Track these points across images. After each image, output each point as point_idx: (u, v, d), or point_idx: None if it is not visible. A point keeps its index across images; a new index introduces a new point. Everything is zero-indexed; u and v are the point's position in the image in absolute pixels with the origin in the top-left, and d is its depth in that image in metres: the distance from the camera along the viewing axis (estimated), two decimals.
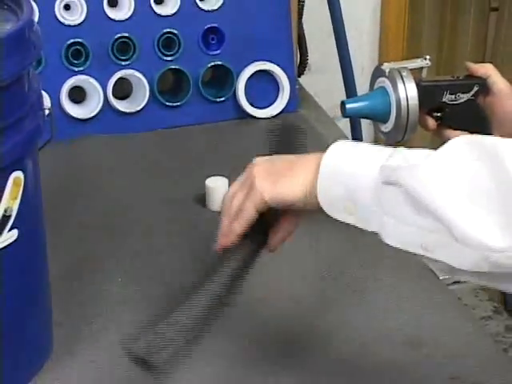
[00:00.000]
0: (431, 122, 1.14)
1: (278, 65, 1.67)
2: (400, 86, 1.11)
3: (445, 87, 1.13)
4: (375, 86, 1.17)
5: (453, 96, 1.13)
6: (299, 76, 1.82)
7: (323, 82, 2.03)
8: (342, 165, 0.81)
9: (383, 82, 1.14)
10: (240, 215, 0.88)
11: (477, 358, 0.98)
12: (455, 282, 1.13)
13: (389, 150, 0.80)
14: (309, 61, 1.85)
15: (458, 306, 1.08)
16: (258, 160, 0.91)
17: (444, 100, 1.13)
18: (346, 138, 1.65)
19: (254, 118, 1.67)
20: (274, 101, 1.68)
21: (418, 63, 1.17)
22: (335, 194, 0.81)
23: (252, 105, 1.67)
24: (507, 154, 0.72)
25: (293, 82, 1.69)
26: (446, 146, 0.76)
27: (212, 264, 0.95)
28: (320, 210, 0.83)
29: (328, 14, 1.78)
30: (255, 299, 1.08)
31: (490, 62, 1.18)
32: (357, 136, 1.81)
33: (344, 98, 1.86)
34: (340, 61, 1.81)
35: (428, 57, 1.17)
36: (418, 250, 0.76)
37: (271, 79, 1.68)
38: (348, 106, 1.15)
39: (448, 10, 2.41)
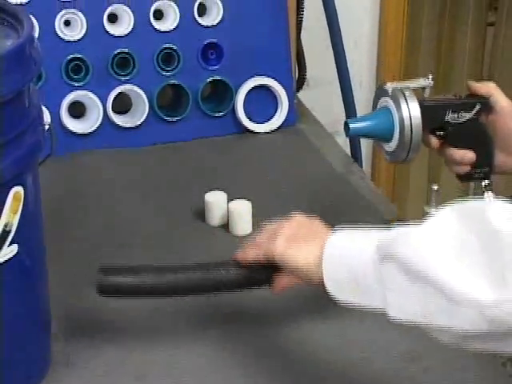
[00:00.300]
0: (434, 141, 1.15)
1: (276, 80, 1.67)
2: (403, 105, 1.11)
3: (447, 106, 1.13)
4: (378, 106, 1.17)
5: (455, 115, 1.13)
6: (298, 91, 1.83)
7: (322, 97, 2.04)
8: (343, 249, 0.88)
9: (386, 101, 1.15)
10: (255, 250, 0.99)
11: (476, 372, 0.98)
12: None
13: (384, 230, 0.85)
14: (307, 75, 1.86)
15: None
16: (296, 217, 0.99)
17: (447, 119, 1.13)
18: (345, 152, 1.66)
19: (253, 132, 1.68)
20: (273, 115, 1.69)
21: (420, 82, 1.17)
22: (340, 277, 0.87)
23: (251, 119, 1.68)
24: (493, 215, 0.76)
25: (291, 97, 1.70)
26: (435, 215, 0.81)
27: (215, 263, 1.02)
28: (318, 285, 0.89)
29: (326, 28, 1.78)
30: (253, 315, 1.09)
31: (489, 79, 1.19)
32: (355, 150, 1.81)
33: (342, 112, 1.87)
34: (338, 75, 1.81)
35: (431, 76, 1.17)
36: (420, 320, 0.79)
37: (270, 94, 1.69)
38: (351, 125, 1.15)
39: (445, 24, 2.43)
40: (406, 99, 1.12)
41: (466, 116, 1.13)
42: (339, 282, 0.87)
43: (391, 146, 1.15)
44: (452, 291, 0.75)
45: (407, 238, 0.80)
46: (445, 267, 0.76)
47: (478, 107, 1.13)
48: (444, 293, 0.76)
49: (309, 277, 0.91)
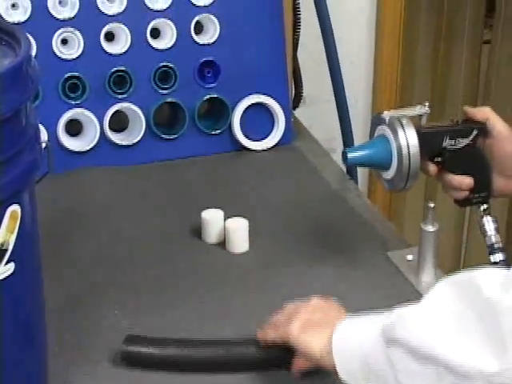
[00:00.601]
0: (432, 168, 1.15)
1: (273, 97, 1.68)
2: (400, 133, 1.12)
3: (444, 133, 1.13)
4: (376, 134, 1.18)
5: (452, 141, 1.13)
6: (294, 108, 1.84)
7: (318, 114, 2.04)
8: (350, 338, 0.91)
9: (383, 130, 1.15)
10: (273, 331, 1.02)
11: None
12: None
13: (386, 313, 0.88)
14: (304, 93, 1.86)
15: None
16: (313, 301, 1.03)
17: (444, 145, 1.13)
18: (341, 170, 1.66)
19: (250, 150, 1.68)
20: (270, 133, 1.70)
21: (417, 110, 1.17)
22: (352, 366, 0.89)
23: (247, 137, 1.68)
24: (483, 283, 0.79)
25: (288, 115, 1.70)
26: (430, 292, 0.84)
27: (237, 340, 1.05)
28: (332, 370, 0.92)
29: (323, 46, 1.79)
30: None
31: (485, 97, 1.19)
32: (351, 169, 1.81)
33: (339, 130, 1.87)
34: (334, 93, 1.82)
35: (427, 104, 1.17)
36: None
37: (266, 112, 1.69)
38: (349, 155, 1.16)
39: (441, 43, 2.44)
40: (403, 127, 1.12)
41: (464, 142, 1.14)
42: (352, 371, 0.90)
43: (389, 174, 1.15)
44: (458, 366, 0.78)
45: (405, 321, 0.84)
46: (447, 344, 0.79)
47: (475, 133, 1.14)
48: (451, 370, 0.78)
49: (322, 362, 0.94)
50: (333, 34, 1.76)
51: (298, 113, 1.85)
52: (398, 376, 0.83)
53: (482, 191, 1.16)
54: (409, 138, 1.11)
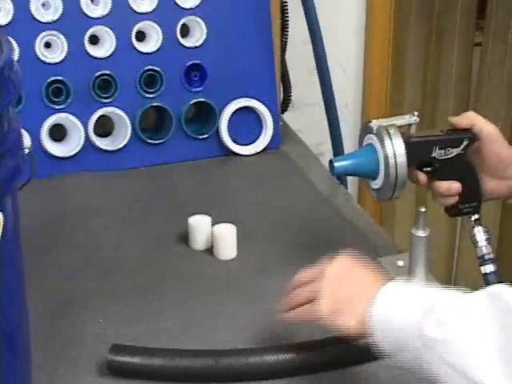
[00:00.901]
0: (422, 177, 1.15)
1: (261, 101, 1.68)
2: (387, 143, 1.12)
3: (434, 143, 1.13)
4: (364, 143, 1.18)
5: (442, 151, 1.13)
6: (282, 112, 1.84)
7: (307, 118, 2.05)
8: (386, 327, 0.89)
9: (371, 139, 1.15)
10: (297, 310, 1.00)
11: None
12: None
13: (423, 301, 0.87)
14: (292, 97, 1.86)
15: None
16: (337, 266, 1.00)
17: (434, 155, 1.13)
18: (329, 174, 1.66)
19: (238, 155, 1.68)
20: (257, 138, 1.69)
21: (406, 119, 1.17)
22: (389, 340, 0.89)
23: (235, 142, 1.68)
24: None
25: (276, 119, 1.70)
26: (474, 302, 0.84)
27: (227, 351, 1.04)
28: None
29: (311, 49, 1.79)
30: None
31: (478, 107, 1.19)
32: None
33: (328, 134, 1.88)
34: (323, 97, 1.82)
35: (416, 113, 1.17)
36: None
37: (254, 116, 1.69)
38: (336, 164, 1.16)
39: (432, 45, 2.44)
40: (390, 137, 1.12)
41: (454, 152, 1.14)
42: (389, 343, 0.89)
43: (377, 183, 1.15)
44: None
45: (446, 335, 0.82)
46: (488, 369, 0.79)
47: (465, 143, 1.14)
48: None
49: (355, 335, 0.94)
50: (322, 37, 1.76)
51: (286, 117, 1.85)
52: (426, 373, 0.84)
53: (472, 201, 1.17)
54: (396, 148, 1.11)
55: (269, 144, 1.69)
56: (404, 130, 1.16)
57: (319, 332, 1.08)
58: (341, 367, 1.03)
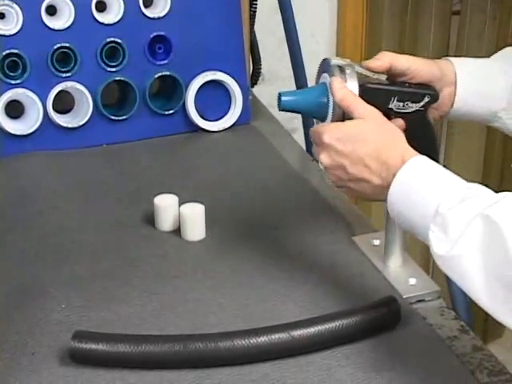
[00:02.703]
0: None
1: (229, 74, 1.67)
2: None
3: (392, 93, 1.11)
4: (319, 82, 1.15)
5: (401, 104, 1.11)
6: (252, 86, 1.83)
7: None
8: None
9: (325, 77, 1.12)
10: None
11: (444, 381, 0.99)
12: (419, 301, 1.14)
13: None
14: (263, 69, 1.86)
15: (422, 326, 1.09)
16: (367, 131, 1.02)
17: (391, 106, 1.11)
18: (303, 150, 1.66)
19: (206, 131, 1.67)
20: (226, 113, 1.69)
21: (368, 72, 1.15)
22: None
23: (203, 117, 1.67)
24: None
25: (245, 93, 1.70)
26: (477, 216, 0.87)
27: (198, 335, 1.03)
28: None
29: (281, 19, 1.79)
30: None
31: None
32: (310, 149, 1.82)
33: None
34: (293, 69, 1.82)
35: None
36: None
37: (223, 90, 1.68)
38: (284, 98, 1.10)
39: (408, 14, 2.44)
40: (345, 77, 1.10)
41: (413, 107, 1.12)
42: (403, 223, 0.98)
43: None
44: None
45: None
46: None
47: (426, 99, 1.12)
48: None
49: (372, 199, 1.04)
50: (291, 5, 1.76)
51: (256, 90, 1.85)
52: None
53: None
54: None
55: (238, 119, 1.69)
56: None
57: (292, 315, 1.08)
58: (308, 352, 1.04)
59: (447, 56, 1.21)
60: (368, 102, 1.07)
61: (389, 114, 1.10)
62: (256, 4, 1.79)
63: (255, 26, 1.82)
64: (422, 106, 1.12)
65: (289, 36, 1.79)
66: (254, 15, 1.80)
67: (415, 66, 1.14)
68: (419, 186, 0.94)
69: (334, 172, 1.03)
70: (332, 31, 2.15)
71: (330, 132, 1.03)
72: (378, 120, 1.03)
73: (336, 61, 1.11)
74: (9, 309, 1.13)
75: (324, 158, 1.03)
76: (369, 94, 1.08)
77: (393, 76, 1.14)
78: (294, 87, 1.87)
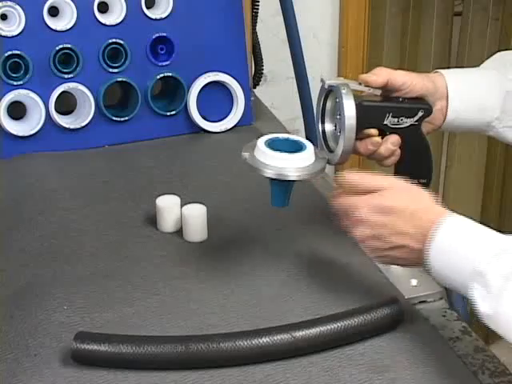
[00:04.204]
0: (370, 143, 1.15)
1: (231, 76, 1.67)
2: (338, 103, 1.11)
3: (388, 109, 1.12)
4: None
5: (395, 119, 1.12)
6: (254, 87, 1.83)
7: (280, 93, 2.04)
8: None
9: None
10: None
11: (446, 382, 0.99)
12: (422, 302, 1.14)
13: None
14: (264, 71, 1.86)
15: (425, 327, 1.09)
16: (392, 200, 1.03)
17: (386, 123, 1.12)
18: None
19: (207, 132, 1.67)
20: (228, 114, 1.69)
21: (363, 86, 1.15)
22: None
23: (205, 118, 1.67)
24: None
25: (247, 94, 1.70)
26: None
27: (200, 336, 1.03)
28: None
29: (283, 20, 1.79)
30: None
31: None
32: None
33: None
34: (294, 70, 1.82)
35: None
36: None
37: (225, 91, 1.68)
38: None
39: (410, 15, 2.44)
40: (341, 97, 1.10)
41: (407, 122, 1.13)
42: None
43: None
44: None
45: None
46: None
47: (420, 114, 1.13)
48: None
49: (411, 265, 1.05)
50: (293, 6, 1.75)
51: (258, 91, 1.85)
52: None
53: (422, 177, 1.16)
54: (346, 109, 1.10)
55: (240, 120, 1.69)
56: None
57: (294, 315, 1.08)
58: (310, 354, 1.04)
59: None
60: (364, 120, 1.09)
61: (384, 130, 1.11)
62: (258, 5, 1.80)
63: (257, 27, 1.82)
64: (416, 121, 1.13)
65: (291, 37, 1.79)
66: (256, 16, 1.81)
67: (410, 81, 1.15)
68: (457, 245, 0.95)
69: (372, 243, 1.04)
70: (334, 32, 2.15)
71: (366, 206, 1.03)
72: (402, 186, 1.04)
73: (331, 81, 1.12)
74: (11, 309, 1.13)
75: (363, 231, 1.04)
76: (364, 111, 1.10)
77: (388, 91, 1.14)
78: (295, 88, 1.87)
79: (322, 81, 1.14)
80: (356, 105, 1.09)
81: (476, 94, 1.21)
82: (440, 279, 0.98)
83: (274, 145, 1.09)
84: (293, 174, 1.07)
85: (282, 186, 1.10)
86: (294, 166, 1.07)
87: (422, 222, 0.99)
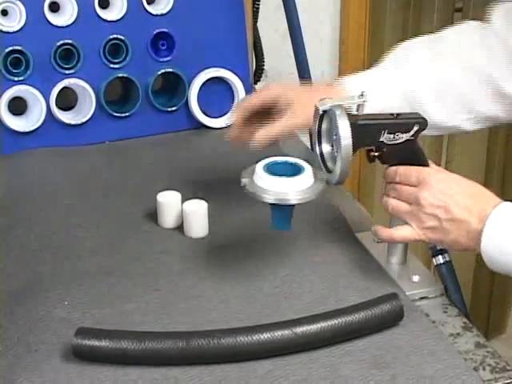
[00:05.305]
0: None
1: (232, 71, 1.67)
2: (333, 124, 1.11)
3: (383, 126, 1.11)
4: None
5: (391, 135, 1.12)
6: (255, 83, 1.83)
7: None
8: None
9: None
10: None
11: (447, 378, 0.98)
12: (422, 298, 1.14)
13: None
14: (265, 66, 1.85)
15: (425, 323, 1.08)
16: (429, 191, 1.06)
17: (382, 139, 1.12)
18: (307, 148, 1.66)
19: (208, 127, 1.67)
20: (229, 109, 1.69)
21: (355, 100, 1.15)
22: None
23: (205, 114, 1.67)
24: None
25: (248, 89, 1.69)
26: None
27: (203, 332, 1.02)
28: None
29: (284, 15, 1.78)
30: None
31: None
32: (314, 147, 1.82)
33: None
34: (296, 66, 1.81)
35: (365, 93, 1.15)
36: None
37: (226, 86, 1.68)
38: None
39: (410, 12, 2.44)
40: (336, 118, 1.10)
41: (403, 137, 1.12)
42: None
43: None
44: None
45: None
46: None
47: (415, 128, 1.12)
48: None
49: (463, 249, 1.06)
50: (294, 1, 1.75)
51: (259, 87, 1.84)
52: None
53: None
54: (341, 130, 1.10)
55: None
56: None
57: (295, 311, 1.08)
58: (311, 349, 1.03)
59: None
60: (360, 138, 1.09)
61: (380, 147, 1.11)
62: (259, 0, 1.79)
63: (258, 23, 1.82)
64: (412, 135, 1.12)
65: (292, 32, 1.78)
66: (257, 11, 1.80)
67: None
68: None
69: (432, 211, 1.05)
70: (335, 27, 2.15)
71: (433, 173, 1.07)
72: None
73: (324, 107, 1.12)
74: (11, 306, 1.13)
75: (427, 196, 1.05)
76: (360, 130, 1.10)
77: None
78: (297, 84, 1.86)
79: (316, 106, 1.14)
80: (351, 124, 1.09)
81: (380, 98, 1.21)
82: (493, 262, 1.00)
83: (272, 169, 1.11)
84: (293, 198, 1.08)
85: (283, 210, 1.11)
86: (294, 189, 1.08)
87: (483, 203, 1.01)
